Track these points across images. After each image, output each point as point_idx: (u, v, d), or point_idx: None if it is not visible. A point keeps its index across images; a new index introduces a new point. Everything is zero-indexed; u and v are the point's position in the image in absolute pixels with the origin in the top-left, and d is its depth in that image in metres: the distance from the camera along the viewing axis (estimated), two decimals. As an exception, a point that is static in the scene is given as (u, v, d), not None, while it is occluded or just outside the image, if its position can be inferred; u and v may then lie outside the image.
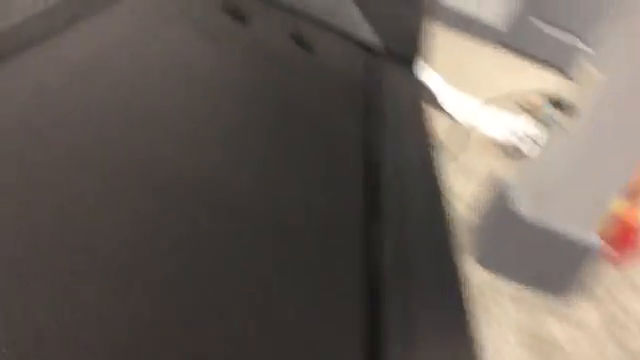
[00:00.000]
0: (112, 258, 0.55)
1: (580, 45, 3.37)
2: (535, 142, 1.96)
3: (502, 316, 1.25)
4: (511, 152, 2.03)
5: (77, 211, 0.59)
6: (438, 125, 1.29)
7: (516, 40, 3.46)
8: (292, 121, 0.95)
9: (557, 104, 1.39)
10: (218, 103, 0.91)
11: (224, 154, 0.78)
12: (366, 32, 1.41)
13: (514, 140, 2.06)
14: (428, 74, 1.97)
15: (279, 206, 0.72)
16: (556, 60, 3.44)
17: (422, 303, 0.70)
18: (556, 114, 1.38)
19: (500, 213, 1.43)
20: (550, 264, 1.37)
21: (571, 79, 2.93)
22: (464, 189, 1.67)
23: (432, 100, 2.02)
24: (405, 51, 1.46)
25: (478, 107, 2.19)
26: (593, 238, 1.36)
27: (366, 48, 1.37)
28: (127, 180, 0.65)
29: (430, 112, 1.38)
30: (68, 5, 0.95)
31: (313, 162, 0.88)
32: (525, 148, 2.02)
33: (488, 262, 1.39)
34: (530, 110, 2.33)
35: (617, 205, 1.42)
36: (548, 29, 3.45)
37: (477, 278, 1.32)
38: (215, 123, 0.85)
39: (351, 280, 0.67)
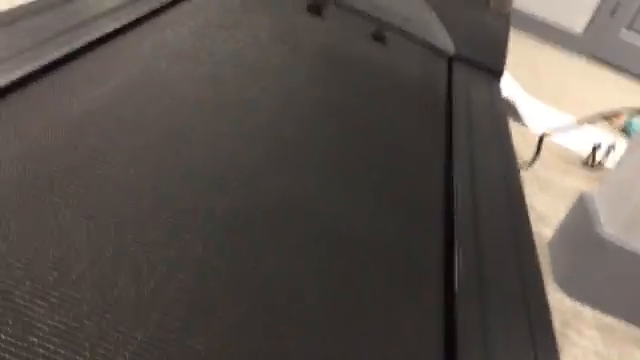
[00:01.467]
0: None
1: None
2: (617, 154, 1.86)
3: (586, 346, 1.17)
4: (593, 165, 1.93)
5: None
6: (517, 135, 1.24)
7: (600, 50, 3.30)
8: (377, 135, 0.93)
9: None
10: (297, 109, 0.90)
11: (307, 169, 0.77)
12: (446, 40, 1.38)
13: (596, 152, 1.96)
14: (508, 83, 1.91)
15: (369, 230, 0.70)
16: (641, 71, 3.26)
17: (504, 329, 0.67)
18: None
19: (584, 235, 1.35)
20: (638, 291, 1.28)
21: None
22: (544, 206, 1.60)
23: (511, 109, 1.94)
24: (486, 59, 1.42)
25: (558, 118, 2.10)
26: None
27: (446, 56, 1.34)
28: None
29: (510, 122, 1.33)
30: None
31: (398, 176, 0.86)
32: (607, 161, 1.92)
33: (572, 287, 1.31)
34: (613, 121, 2.22)
35: None
36: (636, 39, 3.27)
37: (560, 304, 1.25)
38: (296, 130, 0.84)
39: (432, 305, 0.65)
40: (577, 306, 1.27)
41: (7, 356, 0.37)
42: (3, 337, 0.38)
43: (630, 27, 3.23)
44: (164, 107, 0.74)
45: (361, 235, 0.69)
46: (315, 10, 1.21)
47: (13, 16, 0.74)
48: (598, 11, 3.22)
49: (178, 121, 0.73)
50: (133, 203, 0.57)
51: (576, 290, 1.29)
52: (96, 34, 0.80)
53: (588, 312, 1.26)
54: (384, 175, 0.85)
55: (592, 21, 3.24)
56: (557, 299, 1.24)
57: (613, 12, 3.21)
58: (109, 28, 0.83)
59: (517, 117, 1.95)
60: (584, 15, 3.23)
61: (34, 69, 0.68)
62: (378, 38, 1.24)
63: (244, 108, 0.83)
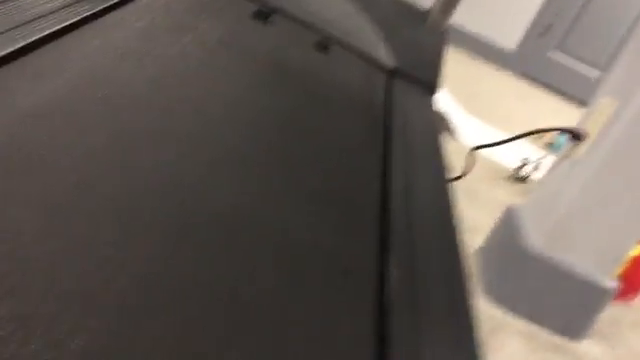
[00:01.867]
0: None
1: (597, 76, 3.36)
2: (544, 169, 1.95)
3: (511, 352, 1.22)
4: (521, 179, 2.02)
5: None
6: (449, 149, 1.28)
7: (532, 69, 3.45)
8: (312, 139, 0.95)
9: (571, 133, 1.38)
10: (234, 111, 0.90)
11: (235, 172, 0.77)
12: (384, 54, 1.41)
13: (524, 166, 2.05)
14: (443, 97, 1.97)
15: (294, 233, 0.71)
16: (573, 91, 3.43)
17: (432, 336, 0.69)
18: (569, 142, 1.37)
19: (509, 246, 1.41)
20: (561, 302, 1.34)
21: (587, 109, 2.94)
22: (473, 217, 1.65)
23: (445, 123, 2.01)
24: (422, 74, 1.46)
25: (489, 132, 2.18)
26: (609, 282, 1.34)
27: (385, 69, 1.37)
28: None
29: (444, 136, 1.37)
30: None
31: (330, 184, 0.87)
32: (534, 175, 2.02)
33: (498, 297, 1.36)
34: (542, 137, 2.32)
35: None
36: (566, 60, 3.44)
37: (485, 313, 1.30)
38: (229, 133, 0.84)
39: (361, 311, 0.66)
40: (502, 315, 1.32)
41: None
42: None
43: (559, 47, 3.40)
44: (107, 108, 0.73)
45: (299, 241, 0.70)
46: (261, 17, 1.22)
47: None
48: (531, 29, 3.37)
49: (120, 122, 0.72)
50: (71, 205, 0.56)
51: (502, 299, 1.34)
52: (39, 33, 0.78)
53: (512, 321, 1.31)
54: (322, 183, 0.86)
55: (524, 39, 3.39)
56: (484, 307, 1.29)
57: (544, 32, 3.38)
58: (53, 27, 0.81)
59: (450, 131, 2.01)
60: (517, 33, 3.37)
61: None
62: (321, 48, 1.26)
63: (187, 111, 0.82)
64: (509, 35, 3.36)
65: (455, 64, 2.80)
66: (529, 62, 3.42)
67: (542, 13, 3.31)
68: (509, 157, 2.04)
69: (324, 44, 1.26)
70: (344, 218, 0.81)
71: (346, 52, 1.33)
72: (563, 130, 1.40)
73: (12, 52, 0.72)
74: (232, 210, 0.70)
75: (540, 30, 3.36)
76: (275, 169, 0.83)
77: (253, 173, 0.78)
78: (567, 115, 3.13)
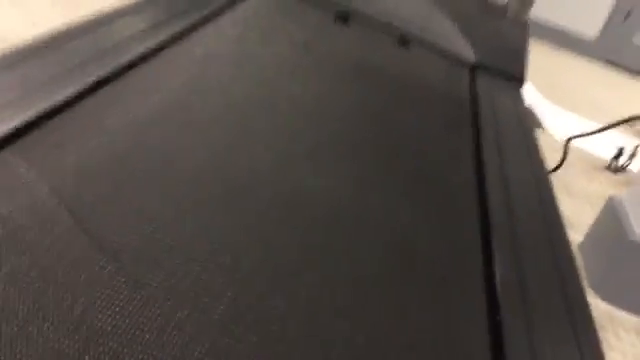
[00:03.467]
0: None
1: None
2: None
3: (625, 349, 1.16)
4: (617, 169, 1.92)
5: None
6: (540, 142, 1.24)
7: (614, 54, 3.29)
8: (408, 143, 0.94)
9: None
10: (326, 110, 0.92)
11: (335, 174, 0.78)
12: (466, 49, 1.39)
13: (619, 156, 1.95)
14: (527, 90, 1.91)
15: (410, 236, 0.71)
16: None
17: (549, 335, 0.67)
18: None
19: (615, 239, 1.34)
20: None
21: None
22: (572, 211, 1.59)
23: (532, 116, 1.94)
24: (507, 67, 1.42)
25: (579, 123, 2.09)
26: None
27: (468, 64, 1.34)
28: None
29: (533, 129, 1.33)
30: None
31: (428, 186, 0.86)
32: (630, 164, 1.91)
33: (607, 292, 1.30)
34: (634, 124, 2.21)
35: None
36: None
37: (594, 308, 1.24)
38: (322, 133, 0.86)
39: (473, 309, 0.65)
40: (612, 309, 1.26)
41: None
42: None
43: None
44: (218, 110, 0.79)
45: (403, 240, 0.70)
46: (342, 20, 1.26)
47: (58, 39, 0.77)
48: (611, 16, 3.22)
49: (231, 121, 0.77)
50: (200, 195, 0.60)
51: (610, 294, 1.28)
52: (142, 49, 0.84)
53: (623, 315, 1.25)
54: (419, 182, 0.85)
55: (606, 26, 3.24)
56: (591, 303, 1.24)
57: (626, 17, 3.21)
58: (158, 39, 0.89)
59: (538, 124, 1.95)
60: (598, 21, 3.23)
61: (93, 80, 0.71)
62: (403, 43, 1.27)
63: (291, 108, 0.87)
64: (590, 23, 3.23)
65: (537, 56, 2.71)
66: (613, 49, 3.26)
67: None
68: (603, 147, 1.95)
69: (406, 39, 1.27)
70: (444, 214, 0.80)
71: (428, 49, 1.32)
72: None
73: (124, 66, 0.77)
74: (334, 201, 0.70)
75: (621, 15, 3.20)
76: (372, 171, 0.83)
77: (353, 168, 0.79)
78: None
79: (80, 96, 0.68)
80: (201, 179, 0.63)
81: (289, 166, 0.73)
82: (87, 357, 0.39)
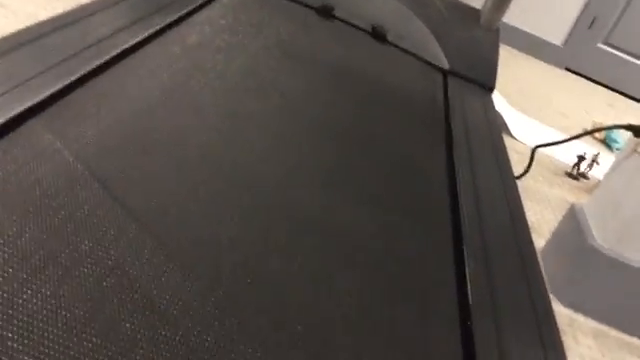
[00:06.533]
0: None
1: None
2: (601, 165, 1.90)
3: (583, 353, 1.20)
4: (578, 176, 1.98)
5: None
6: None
7: (578, 62, 3.37)
8: (382, 146, 0.96)
9: (626, 128, 1.35)
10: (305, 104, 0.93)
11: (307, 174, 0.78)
12: (440, 55, 1.41)
13: (581, 163, 2.01)
14: (495, 96, 1.95)
15: (380, 242, 0.72)
16: (624, 84, 3.33)
17: (514, 338, 0.69)
18: (625, 137, 1.34)
19: (577, 245, 1.38)
20: (631, 300, 1.31)
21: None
22: (534, 216, 1.63)
23: (500, 122, 1.98)
24: (478, 74, 1.45)
25: (543, 130, 2.14)
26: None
27: (441, 70, 1.36)
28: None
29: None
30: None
31: (399, 186, 0.88)
32: (591, 172, 1.97)
33: (566, 296, 1.33)
34: (595, 132, 2.27)
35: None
36: (614, 53, 3.35)
37: (557, 315, 1.28)
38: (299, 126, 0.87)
39: (445, 313, 0.66)
40: (571, 314, 1.30)
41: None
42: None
43: (606, 41, 3.32)
44: (210, 94, 0.86)
45: (373, 247, 0.71)
46: (324, 13, 1.31)
47: (38, 33, 0.78)
48: (576, 24, 3.30)
49: (221, 106, 0.82)
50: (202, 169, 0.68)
51: (570, 299, 1.31)
52: (143, 34, 0.92)
53: (582, 320, 1.29)
54: (390, 186, 0.87)
55: (571, 34, 3.32)
56: (554, 307, 1.27)
57: (590, 26, 3.30)
58: (155, 27, 0.96)
59: (506, 130, 1.99)
60: (563, 28, 3.31)
61: (93, 67, 0.78)
62: (378, 36, 1.30)
63: (274, 96, 0.90)
64: (556, 29, 3.30)
65: (503, 61, 2.76)
66: (577, 56, 3.35)
67: (588, 5, 3.24)
68: (564, 154, 2.00)
69: (381, 33, 1.30)
70: (415, 219, 0.81)
71: (403, 53, 1.33)
72: (626, 127, 1.37)
73: (125, 49, 0.85)
74: (310, 212, 0.71)
75: (586, 24, 3.29)
76: (343, 173, 0.84)
77: (321, 178, 0.80)
78: (620, 109, 3.05)
79: (93, 74, 0.77)
80: (203, 154, 0.71)
81: (251, 161, 0.76)
82: (115, 300, 0.46)
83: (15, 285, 0.44)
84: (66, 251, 0.49)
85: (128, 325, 0.44)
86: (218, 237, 0.59)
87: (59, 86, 0.71)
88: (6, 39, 0.76)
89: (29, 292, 0.43)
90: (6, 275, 0.44)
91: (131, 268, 0.50)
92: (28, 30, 0.80)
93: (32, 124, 0.64)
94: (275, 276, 0.58)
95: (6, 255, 0.46)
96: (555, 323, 0.78)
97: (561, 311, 1.29)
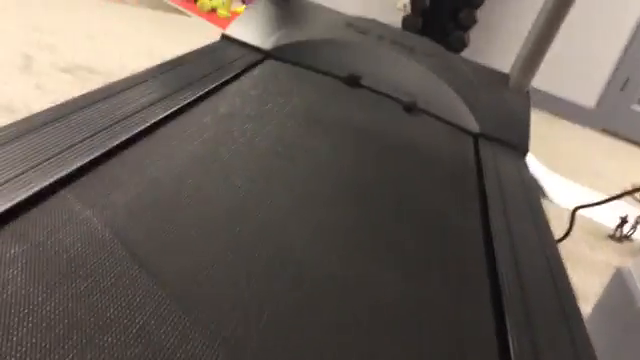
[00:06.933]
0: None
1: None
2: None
3: None
4: (621, 238, 1.91)
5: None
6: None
7: (612, 123, 3.34)
8: (417, 212, 0.94)
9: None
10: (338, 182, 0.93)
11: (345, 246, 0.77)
12: (469, 119, 1.40)
13: (622, 226, 1.95)
14: (529, 159, 1.92)
15: (422, 309, 0.69)
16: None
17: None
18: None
19: (625, 311, 1.32)
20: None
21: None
22: (578, 281, 1.57)
23: (536, 186, 1.95)
24: (511, 137, 1.44)
25: (581, 192, 2.09)
26: None
27: (472, 134, 1.35)
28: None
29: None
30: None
31: (435, 251, 0.85)
32: (635, 234, 1.90)
33: (617, 363, 1.26)
34: (636, 193, 2.21)
35: None
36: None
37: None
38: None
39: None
40: (625, 386, 1.22)
41: None
42: None
43: (640, 101, 3.30)
44: (241, 160, 0.87)
45: (415, 315, 0.68)
46: (352, 83, 1.34)
47: (70, 109, 0.81)
48: (608, 86, 3.29)
49: (251, 171, 0.84)
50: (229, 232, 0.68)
51: (622, 369, 1.24)
52: (179, 103, 0.96)
53: (636, 392, 1.21)
54: (429, 252, 0.84)
55: (603, 95, 3.30)
56: (605, 379, 1.20)
57: (622, 87, 3.29)
58: (188, 99, 0.99)
59: (542, 193, 1.95)
60: (596, 89, 3.30)
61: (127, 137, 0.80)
62: (409, 110, 1.31)
63: (301, 163, 0.92)
64: (588, 92, 3.29)
65: (537, 125, 2.75)
66: (611, 117, 3.32)
67: (619, 67, 3.23)
68: (606, 216, 1.95)
69: (411, 108, 1.30)
70: (453, 287, 0.78)
71: (433, 119, 1.33)
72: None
73: (155, 122, 0.87)
74: (340, 280, 0.69)
75: (618, 85, 3.27)
76: (374, 236, 0.82)
77: (355, 242, 0.78)
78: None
79: (122, 146, 0.79)
80: (231, 218, 0.72)
81: (293, 222, 0.75)
82: None
83: (38, 355, 0.43)
84: (91, 319, 0.49)
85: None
86: (245, 301, 0.58)
87: (90, 158, 0.73)
88: (39, 114, 0.79)
89: (52, 361, 0.43)
90: (29, 344, 0.44)
91: (156, 334, 0.49)
92: (60, 106, 0.83)
93: (63, 194, 0.65)
94: (302, 342, 0.56)
95: (30, 325, 0.46)
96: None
97: (614, 382, 1.21)
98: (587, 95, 3.29)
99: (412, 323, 0.67)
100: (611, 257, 1.79)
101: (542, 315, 0.81)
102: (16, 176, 0.67)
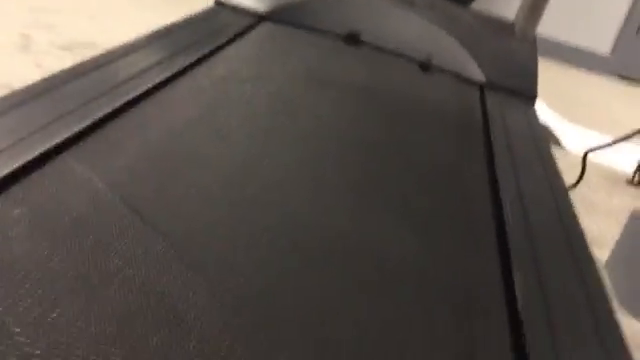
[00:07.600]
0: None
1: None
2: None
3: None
4: (639, 182, 1.89)
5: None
6: (558, 160, 1.22)
7: (628, 68, 3.27)
8: (424, 164, 0.94)
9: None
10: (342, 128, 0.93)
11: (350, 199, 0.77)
12: (474, 69, 1.39)
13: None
14: (540, 108, 1.90)
15: (428, 260, 0.69)
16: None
17: (574, 354, 0.64)
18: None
19: (641, 252, 1.30)
20: None
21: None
22: (595, 227, 1.56)
23: (547, 133, 1.93)
24: (518, 85, 1.42)
25: (596, 138, 2.07)
26: None
27: (478, 84, 1.34)
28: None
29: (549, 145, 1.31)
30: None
31: (445, 207, 0.85)
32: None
33: (634, 309, 1.26)
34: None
35: None
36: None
37: (628, 327, 1.20)
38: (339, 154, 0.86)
39: (497, 332, 0.63)
40: (644, 328, 1.21)
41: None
42: None
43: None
44: (238, 121, 0.87)
45: (424, 269, 0.68)
46: (351, 41, 1.33)
47: (69, 75, 0.82)
48: (623, 30, 3.21)
49: (246, 132, 0.84)
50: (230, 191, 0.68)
51: (640, 311, 1.24)
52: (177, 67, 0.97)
53: (657, 332, 1.20)
54: (435, 204, 0.84)
55: (618, 41, 3.22)
56: (624, 322, 1.20)
57: (638, 30, 3.20)
58: (185, 62, 1.00)
59: (554, 141, 1.93)
60: (609, 35, 3.22)
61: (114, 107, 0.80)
62: (424, 68, 1.30)
63: (300, 135, 0.90)
64: (602, 38, 3.22)
65: (549, 74, 2.70)
66: (626, 63, 3.24)
67: (633, 12, 3.14)
68: (623, 161, 1.92)
69: (426, 65, 1.29)
70: (461, 237, 0.78)
71: (440, 70, 1.32)
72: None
73: (153, 86, 0.88)
74: (346, 233, 0.70)
75: (634, 28, 3.19)
76: (384, 192, 0.82)
77: (365, 194, 0.78)
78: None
79: (121, 109, 0.80)
80: (233, 175, 0.73)
81: (294, 184, 0.75)
82: (151, 315, 0.47)
83: (45, 305, 0.45)
84: (95, 271, 0.50)
85: (156, 339, 0.44)
86: (246, 255, 0.58)
87: (89, 122, 0.74)
88: (37, 84, 0.80)
89: (58, 310, 0.44)
90: (36, 295, 0.45)
91: (158, 285, 0.50)
92: (56, 76, 0.84)
93: (64, 157, 0.67)
94: (304, 293, 0.57)
95: (37, 277, 0.47)
96: (622, 339, 0.72)
97: (635, 326, 1.21)
98: (601, 41, 3.22)
99: (421, 277, 0.67)
100: (629, 202, 1.77)
101: (553, 264, 0.81)
102: (16, 142, 0.68)
